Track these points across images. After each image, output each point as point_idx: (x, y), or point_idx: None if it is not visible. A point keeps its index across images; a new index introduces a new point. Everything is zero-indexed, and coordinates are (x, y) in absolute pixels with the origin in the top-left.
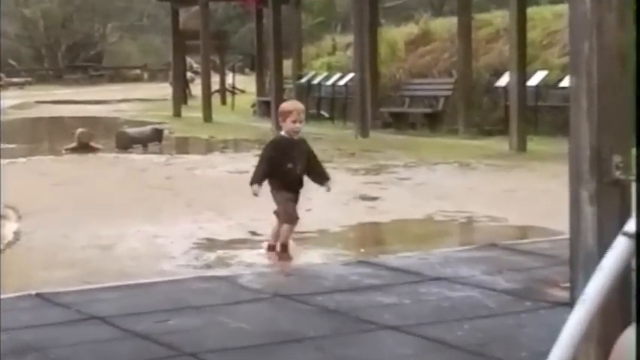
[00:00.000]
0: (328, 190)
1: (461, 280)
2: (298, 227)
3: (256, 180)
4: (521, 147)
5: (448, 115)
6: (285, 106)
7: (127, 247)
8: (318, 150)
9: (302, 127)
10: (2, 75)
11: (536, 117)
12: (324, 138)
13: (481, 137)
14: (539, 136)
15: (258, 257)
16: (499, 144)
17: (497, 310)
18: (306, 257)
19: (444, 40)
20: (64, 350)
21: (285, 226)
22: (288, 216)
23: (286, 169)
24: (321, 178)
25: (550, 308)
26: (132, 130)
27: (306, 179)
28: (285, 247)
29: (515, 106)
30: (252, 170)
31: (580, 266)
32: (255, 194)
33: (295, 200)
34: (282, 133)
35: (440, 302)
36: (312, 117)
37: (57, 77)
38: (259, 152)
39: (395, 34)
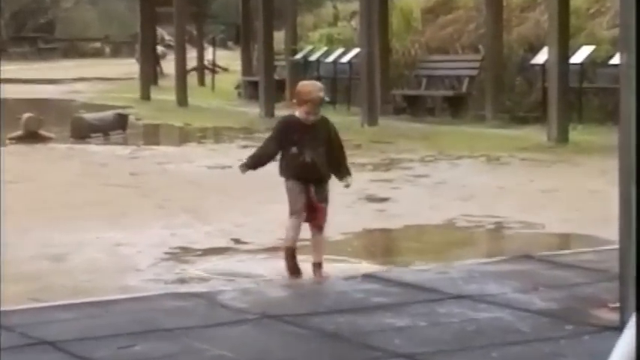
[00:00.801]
0: (347, 186)
1: (488, 299)
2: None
3: (247, 163)
4: (563, 137)
5: (474, 98)
6: (302, 90)
7: (84, 257)
8: None
9: (317, 118)
10: None
11: (581, 101)
12: None
13: (514, 125)
14: (584, 124)
15: (243, 269)
16: (535, 134)
17: (532, 336)
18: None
19: (469, 9)
20: None
21: (288, 223)
22: (290, 206)
23: (290, 155)
24: (339, 171)
25: (596, 333)
26: (90, 116)
27: None
28: (289, 252)
29: (554, 88)
30: (236, 165)
31: (632, 282)
32: (242, 171)
33: (305, 192)
34: (296, 113)
35: (462, 325)
36: None
37: None
38: (245, 143)
39: (410, 1)
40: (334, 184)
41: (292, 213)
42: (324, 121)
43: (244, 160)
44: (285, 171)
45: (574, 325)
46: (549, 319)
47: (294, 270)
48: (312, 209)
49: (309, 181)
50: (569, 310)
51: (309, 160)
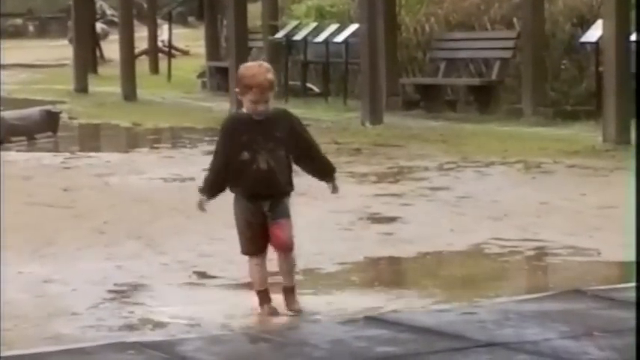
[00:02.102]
0: (333, 191)
1: (528, 348)
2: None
3: (205, 188)
4: (623, 137)
5: (507, 88)
6: (245, 73)
7: (2, 298)
8: None
9: (267, 110)
10: None
11: None
12: (313, 125)
13: (559, 123)
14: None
15: (209, 311)
16: (587, 133)
17: None
18: (289, 308)
19: None
20: None
21: (249, 265)
22: (241, 243)
23: (241, 162)
24: (319, 170)
25: None
26: (9, 115)
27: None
28: (262, 295)
29: (612, 74)
30: (199, 178)
31: None
32: (201, 209)
33: (261, 217)
34: (244, 109)
35: None
36: (294, 92)
37: None
38: (210, 148)
39: None
40: (326, 200)
41: (244, 252)
42: (283, 114)
43: (200, 188)
44: (236, 187)
45: None
46: None
47: (272, 313)
48: (270, 227)
49: (266, 196)
50: None
51: (264, 167)
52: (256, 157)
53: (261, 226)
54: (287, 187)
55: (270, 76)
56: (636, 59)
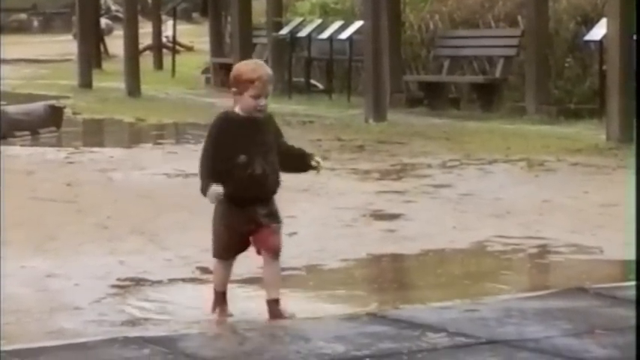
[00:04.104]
0: (318, 170)
1: (530, 345)
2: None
3: (207, 182)
4: (626, 136)
5: (511, 86)
6: (243, 69)
7: (4, 293)
8: (308, 141)
9: (266, 106)
10: None
11: None
12: (316, 122)
13: (562, 121)
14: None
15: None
16: (591, 131)
17: None
18: (288, 309)
19: None
20: None
21: (215, 263)
22: (214, 246)
23: (236, 165)
24: (301, 161)
25: None
26: (14, 109)
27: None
28: (219, 297)
29: (616, 72)
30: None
31: None
32: (219, 197)
33: (246, 223)
34: (236, 109)
35: None
36: (298, 89)
37: None
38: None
39: None
40: (328, 196)
41: (216, 256)
42: (270, 119)
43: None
44: (223, 187)
45: None
46: None
47: (223, 316)
48: (260, 232)
49: (254, 201)
50: (634, 359)
51: (259, 172)
52: (252, 161)
53: (241, 234)
54: (275, 191)
55: (269, 70)
56: (637, 58)
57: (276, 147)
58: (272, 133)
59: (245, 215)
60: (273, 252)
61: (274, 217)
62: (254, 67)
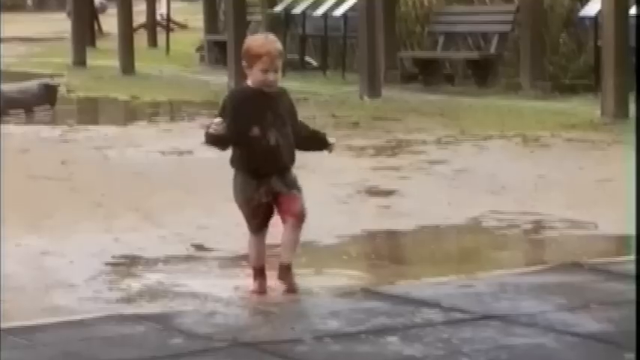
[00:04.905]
0: (330, 150)
1: (524, 320)
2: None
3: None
4: (622, 111)
5: (506, 62)
6: (252, 44)
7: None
8: (303, 118)
9: (278, 80)
10: None
11: None
12: (311, 99)
13: (557, 96)
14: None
15: (207, 284)
16: (586, 107)
17: None
18: (284, 285)
19: None
20: None
21: (249, 240)
22: (246, 219)
23: (250, 138)
24: (314, 140)
25: None
26: (8, 88)
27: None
28: (257, 272)
29: (611, 48)
30: (197, 151)
31: None
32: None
33: (265, 194)
34: (248, 82)
35: (491, 354)
36: (293, 66)
37: None
38: (208, 122)
39: None
40: (323, 173)
41: (251, 230)
42: (284, 93)
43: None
44: (239, 161)
45: (635, 354)
46: (604, 346)
47: (262, 292)
48: (282, 201)
49: (270, 172)
50: (628, 333)
51: (273, 144)
52: (266, 133)
53: (262, 205)
54: (290, 162)
55: (279, 45)
56: (636, 34)
57: (290, 122)
58: (286, 108)
59: (262, 187)
60: (298, 217)
61: (293, 185)
62: (263, 42)
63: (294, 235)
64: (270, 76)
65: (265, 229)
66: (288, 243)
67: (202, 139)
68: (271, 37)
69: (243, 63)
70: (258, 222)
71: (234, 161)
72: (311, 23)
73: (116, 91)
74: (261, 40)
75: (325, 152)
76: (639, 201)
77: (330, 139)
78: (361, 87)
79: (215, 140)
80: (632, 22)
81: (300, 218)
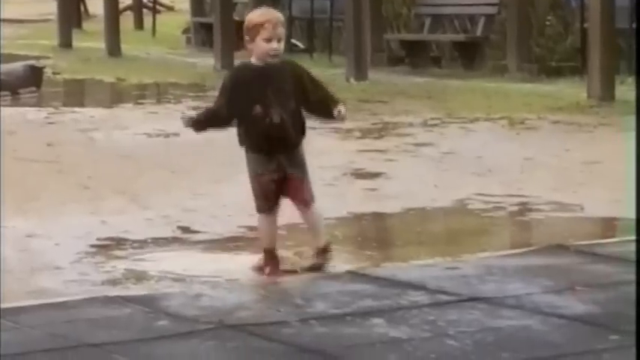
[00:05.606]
0: (341, 118)
1: (510, 302)
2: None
3: (194, 119)
4: (608, 94)
5: (492, 44)
6: (253, 17)
7: None
8: None
9: (281, 50)
10: None
11: (631, 46)
12: None
13: (544, 79)
14: (636, 76)
15: (193, 266)
16: (572, 89)
17: (567, 349)
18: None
19: None
20: None
21: (258, 221)
22: (256, 201)
23: (253, 117)
24: (328, 109)
25: None
26: None
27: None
28: (268, 254)
29: (597, 30)
30: (184, 133)
31: None
32: (186, 124)
33: (275, 171)
34: (252, 59)
35: (477, 336)
36: None
37: None
38: (195, 103)
39: None
40: (309, 155)
41: (260, 211)
42: (291, 65)
43: (193, 117)
44: (246, 139)
45: (621, 335)
46: (589, 328)
47: (273, 274)
48: (287, 183)
49: (278, 150)
50: (614, 315)
51: (277, 122)
52: (269, 110)
53: (273, 182)
54: (299, 139)
55: (279, 14)
56: (636, 16)
57: (301, 94)
58: (292, 80)
59: (272, 163)
60: (302, 203)
61: (299, 166)
62: (262, 11)
63: (312, 218)
64: (274, 44)
65: (276, 208)
66: (311, 227)
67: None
68: (270, 8)
69: (246, 38)
70: (268, 200)
71: (241, 140)
72: (297, 5)
73: (102, 74)
74: (260, 11)
75: (314, 131)
76: (639, 185)
77: (338, 109)
78: (348, 69)
79: (204, 123)
80: (623, 3)
81: (305, 204)
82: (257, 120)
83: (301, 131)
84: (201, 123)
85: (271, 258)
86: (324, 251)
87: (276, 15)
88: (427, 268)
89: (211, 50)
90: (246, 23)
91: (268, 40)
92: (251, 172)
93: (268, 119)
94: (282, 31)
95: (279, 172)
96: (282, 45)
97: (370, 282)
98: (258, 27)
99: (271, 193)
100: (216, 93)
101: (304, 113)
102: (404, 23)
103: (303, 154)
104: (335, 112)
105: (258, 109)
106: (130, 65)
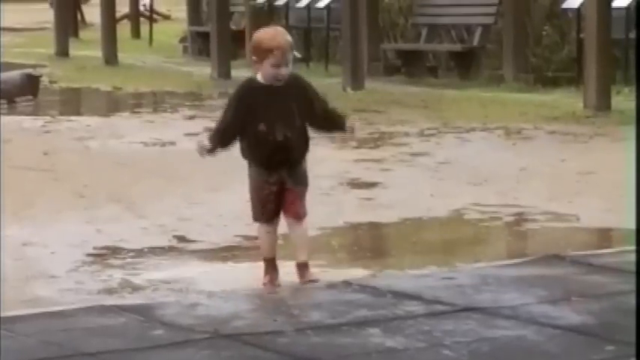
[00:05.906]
0: (351, 131)
1: (506, 312)
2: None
3: (209, 147)
4: (604, 104)
5: (489, 54)
6: (262, 38)
7: None
8: None
9: (288, 74)
10: None
11: (628, 57)
12: None
13: (540, 89)
14: (632, 86)
15: (188, 275)
16: (568, 99)
17: (563, 359)
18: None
19: None
20: None
21: (258, 231)
22: (253, 210)
23: (257, 133)
24: (336, 123)
25: None
26: None
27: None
28: (268, 264)
29: (593, 40)
30: (180, 142)
31: None
32: (200, 153)
33: (276, 183)
34: (257, 77)
35: (472, 346)
36: None
37: None
38: (191, 112)
39: None
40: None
41: (255, 219)
42: (296, 80)
43: (203, 142)
44: (249, 154)
45: (616, 346)
46: (585, 338)
47: (273, 284)
48: (285, 195)
49: (280, 166)
50: (609, 325)
51: (281, 139)
52: (273, 128)
53: (273, 193)
54: (302, 155)
55: (289, 37)
56: (636, 26)
57: (306, 110)
58: (296, 99)
59: (273, 176)
60: (295, 217)
61: (299, 179)
62: (273, 34)
63: (299, 232)
64: (282, 71)
65: (277, 219)
66: (299, 242)
67: (199, 143)
68: (280, 29)
69: (253, 57)
70: (268, 211)
71: (244, 154)
72: (294, 14)
73: (99, 82)
74: (271, 33)
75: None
76: (639, 194)
77: (349, 126)
78: (344, 79)
79: (216, 145)
80: (620, 13)
81: (297, 218)
82: (261, 137)
83: (305, 147)
84: (215, 146)
85: (271, 267)
86: (305, 266)
87: (287, 39)
88: (423, 277)
89: (208, 59)
90: (255, 43)
91: (277, 66)
92: (252, 182)
93: (272, 137)
94: (290, 56)
95: (279, 184)
96: (289, 68)
97: (366, 292)
98: (267, 52)
99: (269, 204)
100: (212, 102)
101: (310, 130)
102: (401, 33)
103: (306, 169)
104: (347, 126)
105: (262, 126)
106: (127, 74)
